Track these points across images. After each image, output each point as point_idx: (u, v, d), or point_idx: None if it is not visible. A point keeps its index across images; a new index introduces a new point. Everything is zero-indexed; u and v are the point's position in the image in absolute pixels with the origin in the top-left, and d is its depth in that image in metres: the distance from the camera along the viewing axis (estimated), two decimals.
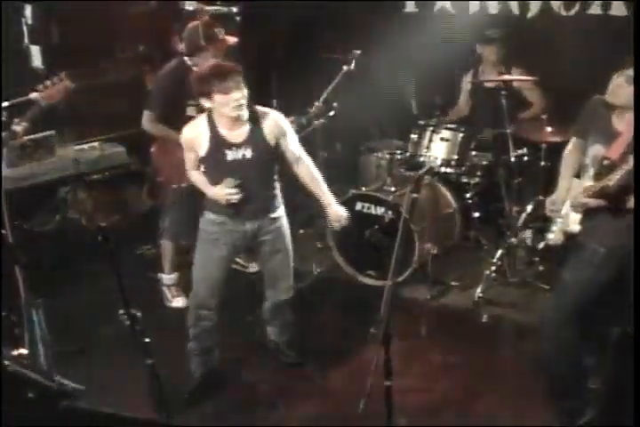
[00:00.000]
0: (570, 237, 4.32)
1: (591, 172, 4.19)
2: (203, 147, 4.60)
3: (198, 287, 4.85)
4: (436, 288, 6.15)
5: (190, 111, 5.47)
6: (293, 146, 4.79)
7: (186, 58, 5.67)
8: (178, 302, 5.98)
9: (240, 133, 4.59)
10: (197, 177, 4.77)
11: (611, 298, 4.26)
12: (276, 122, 4.69)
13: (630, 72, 4.07)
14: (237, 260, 6.32)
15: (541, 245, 4.58)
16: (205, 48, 5.59)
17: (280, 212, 4.84)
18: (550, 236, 4.43)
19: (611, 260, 4.13)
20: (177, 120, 5.25)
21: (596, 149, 4.21)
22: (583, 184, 4.24)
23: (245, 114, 4.52)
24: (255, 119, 4.62)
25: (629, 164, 3.90)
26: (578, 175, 4.38)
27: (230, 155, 4.58)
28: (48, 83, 4.85)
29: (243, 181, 4.57)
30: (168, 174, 5.71)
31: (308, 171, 4.86)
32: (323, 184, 4.89)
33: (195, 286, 4.87)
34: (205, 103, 4.53)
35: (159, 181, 6.06)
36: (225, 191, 4.56)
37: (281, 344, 5.20)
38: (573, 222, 4.26)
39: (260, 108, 4.71)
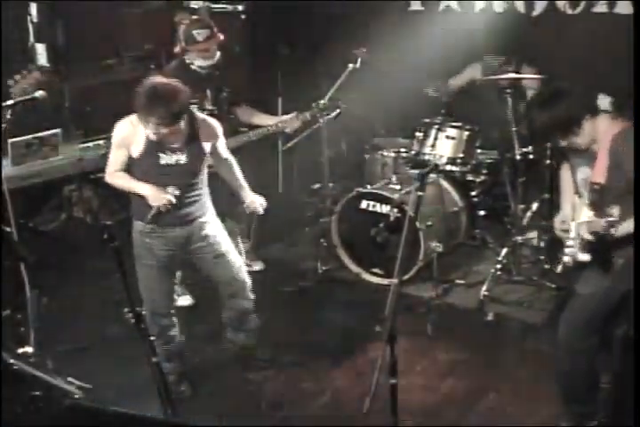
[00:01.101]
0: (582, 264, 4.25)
1: (585, 198, 4.12)
2: (136, 147, 4.43)
3: (146, 298, 4.69)
4: (442, 286, 6.14)
5: None
6: (222, 149, 4.79)
7: (185, 57, 5.67)
8: (184, 300, 5.94)
9: (177, 139, 4.45)
10: (123, 177, 4.54)
11: (627, 305, 4.21)
12: (211, 128, 4.62)
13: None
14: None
15: (559, 270, 4.50)
16: (187, 49, 5.60)
17: (209, 216, 4.74)
18: (566, 259, 4.33)
19: (626, 271, 4.07)
20: None
21: (583, 172, 4.15)
22: (583, 210, 4.11)
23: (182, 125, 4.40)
24: (192, 125, 4.50)
25: (615, 215, 3.80)
26: (578, 193, 4.31)
27: (164, 159, 4.44)
28: (18, 77, 4.83)
29: (174, 185, 4.45)
30: None
31: (232, 171, 4.93)
32: (244, 181, 4.98)
33: (146, 300, 4.69)
34: None
35: None
36: (165, 196, 4.42)
37: (252, 348, 5.13)
38: (581, 253, 4.18)
39: (197, 113, 4.63)
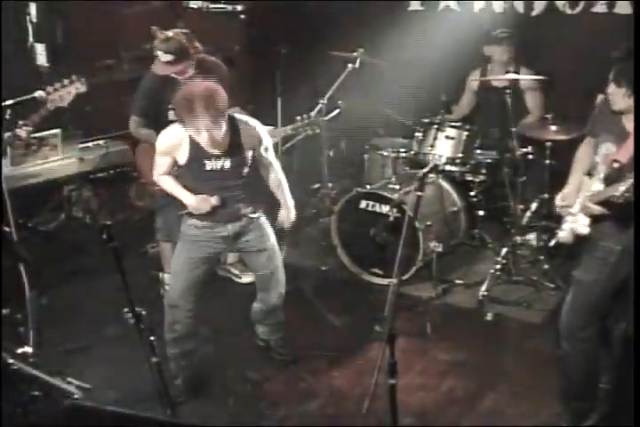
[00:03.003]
0: (580, 238, 4.28)
1: (601, 173, 4.15)
2: (182, 155, 4.55)
3: (173, 289, 4.81)
4: (441, 286, 6.14)
5: (172, 115, 5.38)
6: (267, 153, 4.81)
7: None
8: (248, 277, 5.96)
9: (221, 146, 4.52)
10: (170, 182, 4.73)
11: (627, 291, 4.22)
12: (254, 131, 4.67)
13: (613, 75, 4.07)
14: (231, 269, 6.33)
15: (552, 243, 4.52)
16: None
17: (258, 211, 4.82)
18: (562, 234, 4.38)
19: (626, 257, 4.09)
20: (159, 124, 5.22)
21: (607, 148, 4.17)
22: (593, 184, 4.20)
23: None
24: (234, 130, 4.57)
25: (632, 178, 3.86)
26: (589, 173, 4.34)
27: (209, 165, 4.55)
28: (58, 85, 4.81)
29: (220, 189, 4.59)
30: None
31: (277, 177, 4.93)
32: (287, 190, 4.98)
33: (170, 288, 4.84)
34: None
35: (144, 183, 6.01)
36: (206, 206, 4.57)
37: (272, 342, 5.22)
38: (582, 225, 4.22)
39: (238, 116, 4.67)
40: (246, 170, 4.67)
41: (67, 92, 4.82)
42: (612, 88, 4.09)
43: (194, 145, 4.50)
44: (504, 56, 6.77)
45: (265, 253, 4.87)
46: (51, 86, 4.80)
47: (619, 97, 4.06)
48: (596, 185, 4.14)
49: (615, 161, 4.06)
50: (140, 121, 5.63)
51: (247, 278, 6.20)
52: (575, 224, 4.25)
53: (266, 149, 4.77)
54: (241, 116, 4.70)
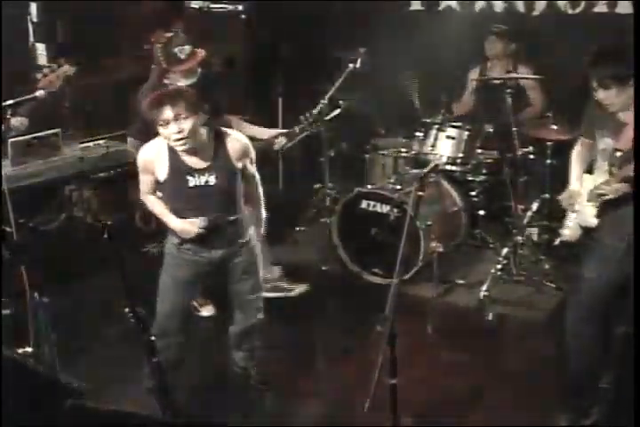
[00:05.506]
0: (587, 232, 4.28)
1: (604, 166, 4.17)
2: (161, 171, 4.29)
3: (160, 315, 4.54)
4: (442, 286, 6.14)
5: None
6: (252, 166, 4.56)
7: (164, 78, 5.37)
8: (208, 310, 5.84)
9: (203, 158, 4.28)
10: (155, 203, 4.49)
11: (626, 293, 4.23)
12: (241, 144, 4.39)
13: (598, 82, 4.09)
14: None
15: (557, 242, 4.53)
16: (169, 70, 5.31)
17: (248, 236, 4.57)
18: (565, 232, 4.38)
19: (629, 254, 4.09)
20: None
21: (606, 143, 4.19)
22: (596, 179, 4.21)
23: (200, 141, 4.25)
24: (220, 142, 4.34)
25: None
26: (588, 171, 4.35)
27: (192, 181, 4.26)
28: (46, 70, 4.79)
29: (205, 208, 4.32)
30: None
31: (255, 190, 4.64)
32: (262, 203, 4.71)
33: (157, 314, 4.54)
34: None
35: None
36: (193, 229, 4.31)
37: (249, 369, 4.91)
38: (590, 216, 4.23)
39: (224, 129, 4.43)
40: (234, 186, 4.40)
41: (56, 76, 4.80)
42: (601, 93, 4.10)
43: (174, 159, 4.26)
44: (501, 51, 6.79)
45: (249, 279, 4.63)
46: (40, 73, 4.78)
47: (612, 98, 4.08)
48: (601, 177, 4.17)
49: (617, 150, 4.09)
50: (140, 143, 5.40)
51: (208, 313, 5.91)
52: (581, 220, 4.25)
53: (251, 162, 4.51)
54: (226, 129, 4.46)
